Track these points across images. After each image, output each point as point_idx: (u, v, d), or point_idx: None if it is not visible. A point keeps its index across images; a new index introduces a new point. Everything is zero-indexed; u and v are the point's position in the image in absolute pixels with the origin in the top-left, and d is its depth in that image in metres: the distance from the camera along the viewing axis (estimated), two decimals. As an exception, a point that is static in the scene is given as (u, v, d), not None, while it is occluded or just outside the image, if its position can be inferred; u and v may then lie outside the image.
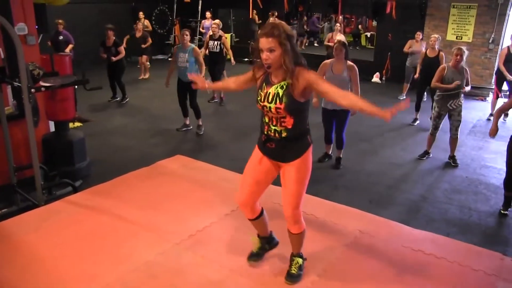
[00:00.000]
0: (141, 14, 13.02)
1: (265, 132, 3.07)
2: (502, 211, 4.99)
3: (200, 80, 3.54)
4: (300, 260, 3.43)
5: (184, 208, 4.47)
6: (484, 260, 3.75)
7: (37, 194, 4.50)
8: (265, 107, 2.98)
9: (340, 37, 10.80)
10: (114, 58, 9.19)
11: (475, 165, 6.41)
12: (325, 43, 11.66)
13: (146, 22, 13.27)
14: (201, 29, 13.88)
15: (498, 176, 5.93)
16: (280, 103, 2.90)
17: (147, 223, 4.15)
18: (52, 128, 5.73)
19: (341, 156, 6.27)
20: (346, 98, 2.90)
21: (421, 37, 9.98)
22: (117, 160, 6.24)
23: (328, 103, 5.83)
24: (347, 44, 6.00)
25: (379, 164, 6.40)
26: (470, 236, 4.42)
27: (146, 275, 3.41)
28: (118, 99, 9.73)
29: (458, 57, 6.07)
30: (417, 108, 8.75)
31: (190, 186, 5.02)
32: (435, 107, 6.41)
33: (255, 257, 3.63)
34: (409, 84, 10.31)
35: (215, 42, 9.07)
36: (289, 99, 2.89)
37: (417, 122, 8.68)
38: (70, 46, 10.01)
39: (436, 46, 8.37)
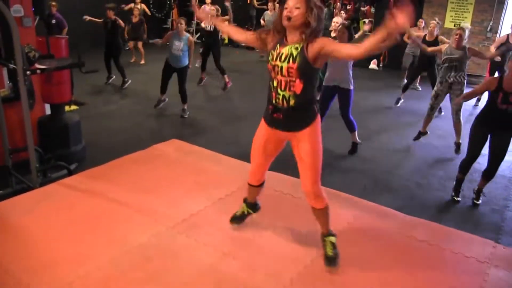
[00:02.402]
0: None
1: (273, 101, 3.07)
2: (454, 197, 5.04)
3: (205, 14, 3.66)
4: (333, 239, 3.41)
5: (179, 192, 4.48)
6: (477, 248, 3.78)
7: (32, 176, 4.49)
8: (276, 67, 2.97)
9: (339, 19, 10.70)
10: (120, 22, 9.29)
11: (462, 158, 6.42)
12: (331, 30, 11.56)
13: (143, 6, 13.11)
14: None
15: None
16: (294, 62, 2.90)
17: (141, 206, 4.15)
18: (48, 111, 5.71)
19: (357, 140, 6.21)
20: (357, 47, 2.79)
21: (423, 24, 9.90)
22: (113, 143, 6.24)
23: (330, 80, 5.84)
24: (351, 26, 5.99)
25: (374, 150, 6.42)
26: (463, 224, 4.45)
27: (139, 257, 3.42)
28: (114, 77, 9.70)
29: (457, 36, 6.06)
30: (404, 89, 8.84)
31: (185, 170, 5.02)
32: (435, 86, 6.44)
33: (238, 219, 3.83)
34: (407, 71, 10.32)
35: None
36: (302, 60, 2.88)
37: (401, 101, 8.74)
38: (65, 30, 9.85)
39: (435, 32, 8.38)
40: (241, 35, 3.39)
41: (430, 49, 6.64)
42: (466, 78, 6.27)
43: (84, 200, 4.24)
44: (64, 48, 5.44)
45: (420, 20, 10.05)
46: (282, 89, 2.99)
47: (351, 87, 5.84)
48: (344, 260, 3.44)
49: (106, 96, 8.85)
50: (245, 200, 3.83)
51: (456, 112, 6.30)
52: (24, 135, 4.50)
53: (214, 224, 3.92)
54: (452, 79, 6.17)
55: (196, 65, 10.40)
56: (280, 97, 3.01)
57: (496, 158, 4.78)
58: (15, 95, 4.90)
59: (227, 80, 9.59)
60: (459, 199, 5.02)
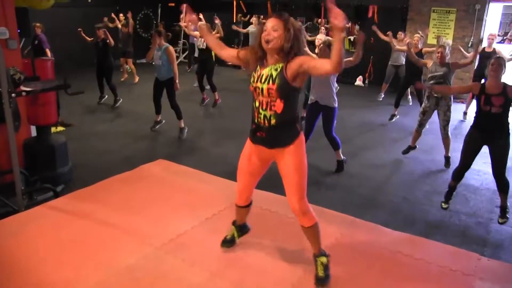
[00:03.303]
0: (125, 15, 12.87)
1: (255, 120, 3.12)
2: (442, 205, 5.14)
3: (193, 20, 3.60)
4: (324, 259, 3.39)
5: (166, 212, 4.47)
6: (462, 261, 3.81)
7: (17, 199, 4.46)
8: (257, 89, 3.03)
9: (322, 36, 10.86)
10: (111, 40, 9.26)
11: (456, 165, 6.48)
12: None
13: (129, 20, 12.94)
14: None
15: (477, 177, 6.03)
16: (273, 83, 2.96)
17: (128, 227, 4.14)
18: (34, 132, 5.69)
19: (341, 157, 6.21)
20: (328, 60, 2.82)
21: (402, 36, 10.09)
22: (100, 164, 6.21)
23: (314, 98, 5.91)
24: (331, 44, 6.09)
25: (360, 166, 6.46)
26: (450, 237, 4.49)
27: (127, 279, 3.40)
28: (106, 97, 9.69)
29: (439, 54, 6.21)
30: (397, 105, 8.95)
31: (172, 190, 5.02)
32: (424, 101, 6.54)
33: (228, 243, 3.82)
34: (388, 85, 10.49)
35: (202, 39, 9.31)
36: (281, 80, 2.95)
37: (396, 117, 8.85)
38: (47, 51, 9.75)
39: (420, 45, 8.58)
40: (224, 52, 3.40)
41: (422, 61, 6.74)
42: (452, 100, 6.39)
43: (70, 222, 4.21)
44: (50, 69, 5.44)
45: (399, 32, 10.23)
46: (264, 108, 3.04)
47: (335, 105, 5.89)
48: (331, 277, 3.46)
49: (94, 117, 8.84)
50: (233, 223, 3.82)
51: (444, 127, 6.40)
52: (9, 157, 4.47)
53: (201, 244, 3.92)
54: (438, 95, 6.28)
55: (194, 85, 10.47)
56: (262, 116, 3.06)
57: (499, 165, 4.81)
58: (0, 117, 4.88)
59: (217, 97, 9.70)
60: (446, 206, 5.10)
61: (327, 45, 5.82)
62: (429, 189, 5.72)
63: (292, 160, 3.13)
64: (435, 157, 6.80)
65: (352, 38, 19.22)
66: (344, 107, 6.73)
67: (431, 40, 11.77)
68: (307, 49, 6.10)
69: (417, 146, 6.81)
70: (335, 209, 4.71)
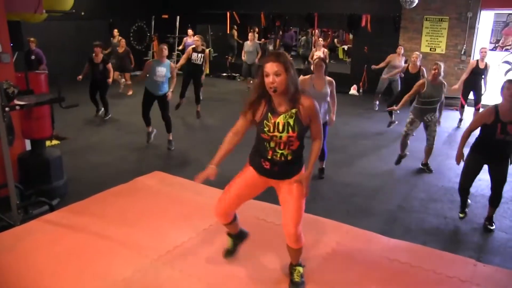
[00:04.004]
0: (115, 32, 12.96)
1: (269, 157, 3.16)
2: (460, 215, 5.10)
3: (210, 172, 3.46)
4: (301, 269, 3.51)
5: (162, 224, 4.46)
6: (459, 267, 3.82)
7: (12, 213, 4.44)
8: (274, 137, 3.07)
9: (320, 53, 10.97)
10: (110, 81, 9.29)
11: (451, 174, 6.51)
12: (310, 59, 11.74)
13: (118, 40, 12.98)
14: (180, 47, 13.84)
15: (473, 184, 6.03)
16: (293, 131, 3.04)
17: (125, 240, 4.13)
18: (28, 146, 5.68)
19: (323, 166, 6.34)
20: (318, 143, 3.20)
21: (402, 51, 10.10)
22: (95, 177, 6.20)
23: None
24: (326, 60, 6.18)
25: (356, 175, 6.47)
26: (446, 244, 4.50)
27: (124, 292, 3.39)
28: (102, 109, 9.67)
29: (435, 71, 6.20)
30: (391, 113, 8.98)
31: (168, 202, 5.01)
32: (410, 114, 6.56)
33: (230, 253, 3.81)
34: (380, 95, 10.53)
35: (199, 55, 9.36)
36: (299, 127, 3.04)
37: (394, 124, 8.91)
38: (42, 66, 9.80)
39: (418, 63, 8.63)
40: (237, 137, 3.26)
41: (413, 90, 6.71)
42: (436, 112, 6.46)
43: (66, 236, 4.19)
44: (44, 83, 5.44)
45: (400, 46, 10.28)
46: (281, 148, 3.11)
47: (325, 120, 5.96)
48: (328, 285, 3.45)
49: (89, 130, 8.82)
50: (228, 234, 3.80)
51: (433, 138, 6.49)
52: (4, 171, 4.46)
53: (198, 255, 3.91)
54: (428, 118, 6.38)
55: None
56: (278, 155, 3.13)
57: (499, 184, 4.82)
58: (-6, 131, 4.88)
59: (198, 109, 9.84)
60: (462, 215, 5.07)
61: (323, 60, 5.88)
62: (424, 197, 5.73)
63: (297, 189, 3.21)
64: (430, 165, 6.81)
65: (346, 47, 19.42)
66: (339, 116, 6.72)
67: (425, 48, 11.87)
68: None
69: (408, 153, 6.82)
70: (331, 218, 4.71)
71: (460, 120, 9.62)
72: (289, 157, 3.12)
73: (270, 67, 2.92)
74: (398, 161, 6.79)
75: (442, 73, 6.29)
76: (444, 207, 5.41)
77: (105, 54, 11.06)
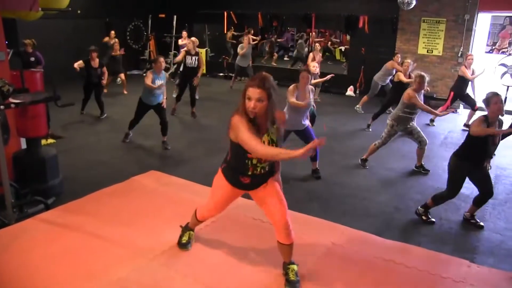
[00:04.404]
0: (112, 34, 12.95)
1: (249, 173, 3.28)
2: (423, 217, 5.14)
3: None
4: (295, 267, 3.54)
5: (158, 223, 4.46)
6: (453, 268, 3.84)
7: (7, 212, 4.43)
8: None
9: (316, 64, 10.87)
10: (104, 82, 9.49)
11: (446, 175, 6.51)
12: (308, 62, 11.74)
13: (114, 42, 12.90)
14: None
15: (467, 185, 5.98)
16: (276, 145, 3.22)
17: (120, 239, 4.12)
18: (24, 145, 5.66)
19: (317, 167, 6.37)
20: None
21: (399, 59, 10.04)
22: (91, 176, 6.18)
23: (288, 125, 5.85)
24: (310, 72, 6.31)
25: (352, 176, 6.48)
26: (441, 245, 4.51)
27: (119, 292, 3.39)
28: (84, 113, 9.71)
29: (418, 82, 6.28)
30: (375, 118, 8.98)
31: (164, 201, 5.01)
32: (392, 125, 6.51)
33: (183, 246, 3.99)
34: (369, 98, 10.52)
35: (193, 58, 9.39)
36: (280, 140, 3.29)
37: (369, 130, 8.98)
38: (39, 67, 9.68)
39: (409, 71, 8.66)
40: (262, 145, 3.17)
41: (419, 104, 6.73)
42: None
43: (61, 235, 4.19)
44: (39, 81, 5.43)
45: (397, 55, 10.26)
46: (262, 163, 3.25)
47: (306, 123, 6.17)
48: (324, 285, 3.46)
49: (84, 129, 8.80)
50: (191, 229, 4.05)
51: (423, 139, 6.54)
52: (-1, 170, 4.45)
53: (194, 254, 3.91)
54: (410, 125, 6.47)
55: (173, 95, 10.51)
56: (259, 169, 3.27)
57: (487, 184, 4.93)
58: (-11, 130, 4.86)
59: (193, 110, 9.87)
60: (427, 218, 5.11)
61: (308, 72, 6.05)
62: (420, 198, 5.74)
63: (274, 187, 3.39)
64: (426, 166, 6.83)
65: (343, 48, 19.45)
66: (336, 117, 6.76)
67: (422, 50, 11.90)
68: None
69: (368, 160, 6.90)
70: (326, 219, 4.72)
71: (431, 120, 9.73)
72: (267, 168, 3.30)
73: (253, 92, 3.01)
74: (363, 163, 6.90)
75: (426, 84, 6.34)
76: (439, 208, 5.41)
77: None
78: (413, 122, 6.48)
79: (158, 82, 7.24)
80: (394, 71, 9.60)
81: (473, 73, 9.06)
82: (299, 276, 3.51)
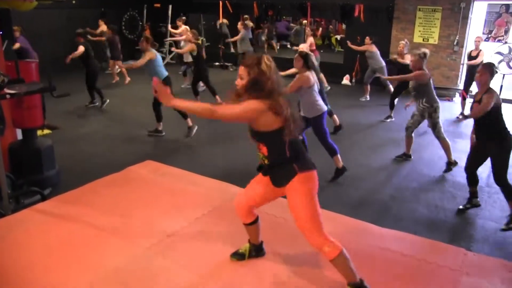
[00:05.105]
0: (100, 21, 12.85)
1: (260, 163, 3.23)
2: (460, 206, 5.16)
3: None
4: None
5: (154, 214, 4.46)
6: (449, 256, 3.86)
7: (3, 203, 4.43)
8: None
9: (305, 45, 10.85)
10: (69, 57, 8.99)
11: (443, 164, 6.53)
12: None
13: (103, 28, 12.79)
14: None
15: (464, 174, 6.04)
16: (250, 134, 3.13)
17: (117, 229, 4.12)
18: (19, 136, 5.64)
19: (340, 164, 5.97)
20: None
21: (369, 41, 10.23)
22: (87, 167, 6.17)
23: (301, 110, 5.78)
24: (308, 54, 6.04)
25: (348, 165, 6.46)
26: (437, 233, 4.53)
27: (116, 282, 3.39)
28: (97, 104, 9.61)
29: (411, 62, 6.33)
30: (391, 107, 8.97)
31: (160, 191, 5.01)
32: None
33: (238, 256, 3.71)
34: (368, 85, 10.58)
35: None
36: (251, 127, 3.09)
37: (391, 119, 8.88)
38: (17, 45, 9.26)
39: (405, 51, 8.62)
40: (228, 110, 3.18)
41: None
42: (428, 103, 6.27)
43: (58, 226, 4.19)
44: (35, 72, 5.40)
45: (367, 37, 10.31)
46: (257, 150, 3.18)
47: (320, 113, 5.79)
48: (319, 276, 3.47)
49: (80, 120, 8.77)
50: (249, 241, 3.72)
51: (436, 133, 6.35)
52: (-5, 161, 4.43)
53: (190, 245, 3.92)
54: (417, 107, 6.37)
55: (182, 86, 10.47)
56: (260, 157, 3.18)
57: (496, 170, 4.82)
58: (-15, 121, 4.84)
59: (219, 100, 9.55)
60: (462, 207, 5.12)
61: (302, 56, 5.77)
62: (416, 187, 5.76)
63: (292, 200, 3.16)
64: (422, 156, 6.86)
65: (338, 37, 19.39)
66: (332, 107, 6.76)
67: (417, 38, 11.87)
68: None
69: (412, 157, 6.78)
70: (323, 208, 4.71)
71: (461, 113, 9.51)
72: (266, 161, 3.15)
73: (239, 69, 3.04)
74: (400, 156, 6.79)
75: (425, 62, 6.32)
76: (435, 197, 5.44)
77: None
78: (420, 105, 6.31)
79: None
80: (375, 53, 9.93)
81: (478, 53, 8.97)
82: None
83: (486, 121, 4.65)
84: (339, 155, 5.95)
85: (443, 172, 6.27)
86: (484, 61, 8.78)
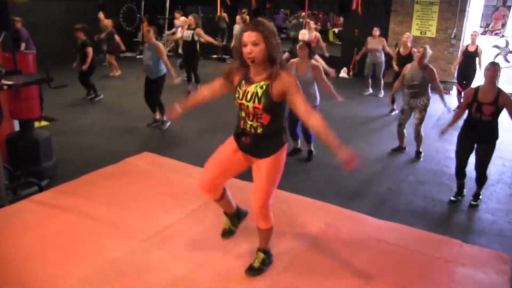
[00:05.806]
0: (100, 14, 12.78)
1: (242, 127, 3.08)
2: (451, 198, 5.22)
3: (174, 110, 3.62)
4: (262, 255, 3.46)
5: (151, 205, 4.47)
6: (445, 248, 3.88)
7: (0, 194, 4.42)
8: (242, 105, 2.99)
9: (305, 31, 10.86)
10: (86, 65, 9.01)
11: (439, 156, 6.58)
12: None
13: (107, 22, 12.60)
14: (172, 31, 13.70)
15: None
16: (259, 103, 2.91)
17: (114, 221, 4.13)
18: (17, 127, 5.63)
19: (312, 149, 6.35)
20: (313, 119, 2.93)
21: (378, 33, 10.11)
22: (85, 158, 6.18)
23: None
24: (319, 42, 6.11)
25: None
26: (433, 225, 4.56)
27: (113, 273, 3.40)
28: (93, 95, 9.59)
29: (420, 54, 6.20)
30: (393, 101, 8.98)
31: (157, 183, 5.01)
32: (401, 103, 6.60)
33: (228, 234, 3.66)
34: (370, 79, 10.56)
35: (188, 32, 9.52)
36: (267, 100, 2.90)
37: (395, 112, 8.90)
38: (22, 45, 9.40)
39: (409, 44, 8.62)
40: (208, 93, 3.42)
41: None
42: (428, 98, 6.34)
43: (55, 217, 4.19)
44: (32, 63, 5.38)
45: (375, 28, 10.19)
46: (250, 119, 3.01)
47: (317, 103, 5.88)
48: (316, 267, 3.50)
49: (78, 111, 8.74)
50: (225, 213, 3.64)
51: (416, 126, 6.42)
52: (-8, 152, 4.43)
53: (187, 236, 3.93)
54: (417, 104, 6.33)
55: (180, 78, 10.43)
56: (248, 125, 3.03)
57: (479, 166, 5.02)
58: (-18, 112, 4.83)
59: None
60: (454, 199, 5.19)
61: (306, 44, 5.82)
62: (413, 179, 5.79)
63: (267, 170, 3.09)
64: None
65: (336, 30, 19.36)
66: (329, 100, 6.74)
67: (415, 31, 11.86)
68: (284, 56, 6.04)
69: (407, 148, 6.83)
70: (319, 199, 4.75)
71: (458, 107, 9.56)
72: (259, 130, 3.00)
73: (248, 36, 2.81)
74: (396, 149, 6.83)
75: (427, 57, 6.24)
76: (432, 189, 5.47)
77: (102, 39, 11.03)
78: (419, 102, 6.32)
79: (146, 53, 7.26)
80: (379, 47, 9.89)
81: (476, 49, 8.99)
82: (266, 266, 3.47)
83: (493, 123, 4.82)
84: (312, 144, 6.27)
85: (412, 161, 6.49)
86: (483, 57, 8.88)
